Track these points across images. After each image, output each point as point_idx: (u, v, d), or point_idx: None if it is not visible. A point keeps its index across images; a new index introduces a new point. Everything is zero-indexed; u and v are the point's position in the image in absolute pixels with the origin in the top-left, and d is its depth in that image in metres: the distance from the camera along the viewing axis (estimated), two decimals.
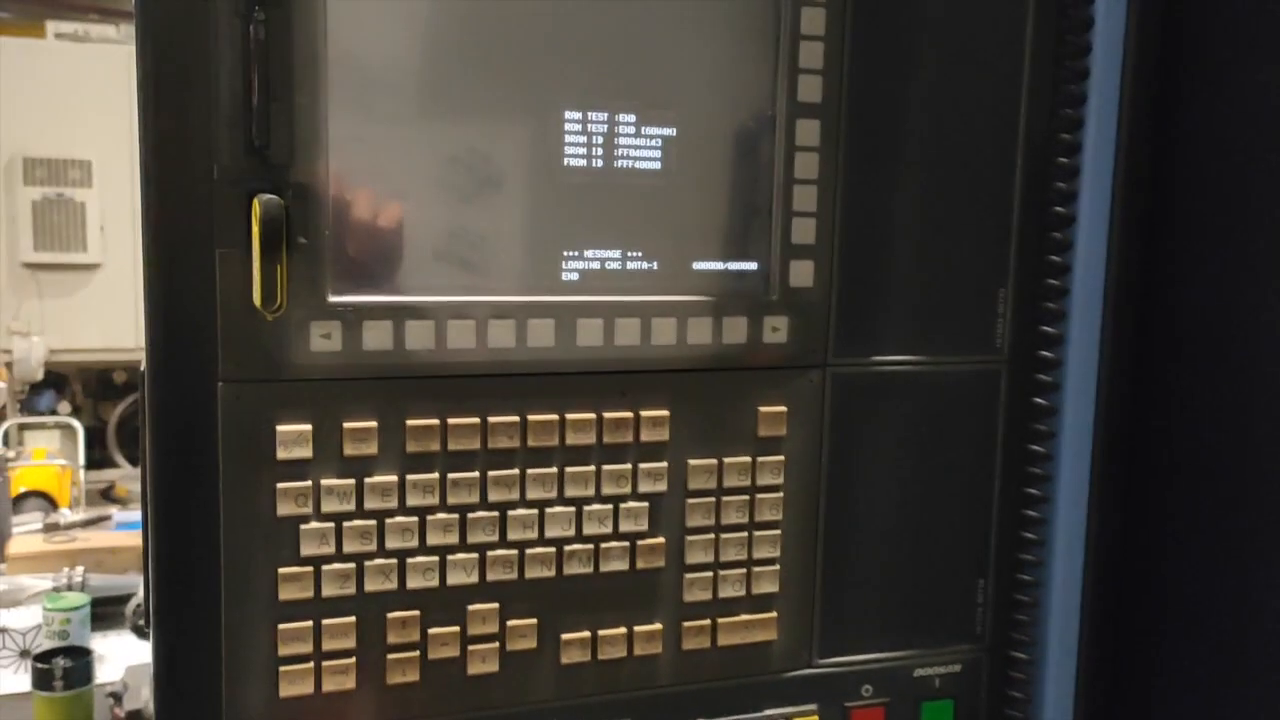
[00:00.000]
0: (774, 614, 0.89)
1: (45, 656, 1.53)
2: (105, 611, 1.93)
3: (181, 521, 0.75)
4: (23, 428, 4.65)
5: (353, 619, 0.78)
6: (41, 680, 1.50)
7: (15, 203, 4.59)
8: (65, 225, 4.64)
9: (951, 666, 0.96)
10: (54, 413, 4.85)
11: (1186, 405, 0.94)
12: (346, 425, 0.77)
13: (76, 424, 4.62)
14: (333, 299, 0.76)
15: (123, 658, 1.76)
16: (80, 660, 1.53)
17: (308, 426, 0.76)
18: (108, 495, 4.66)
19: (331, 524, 0.77)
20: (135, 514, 2.74)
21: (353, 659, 0.78)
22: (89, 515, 2.92)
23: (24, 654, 1.85)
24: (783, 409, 0.88)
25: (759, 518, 0.88)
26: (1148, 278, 0.95)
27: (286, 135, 0.73)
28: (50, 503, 3.73)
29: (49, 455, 4.24)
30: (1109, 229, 0.94)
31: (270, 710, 0.77)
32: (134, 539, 2.44)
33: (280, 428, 0.76)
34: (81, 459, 4.47)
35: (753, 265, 0.86)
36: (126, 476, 4.83)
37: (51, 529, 2.71)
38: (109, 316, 4.67)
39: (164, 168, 0.72)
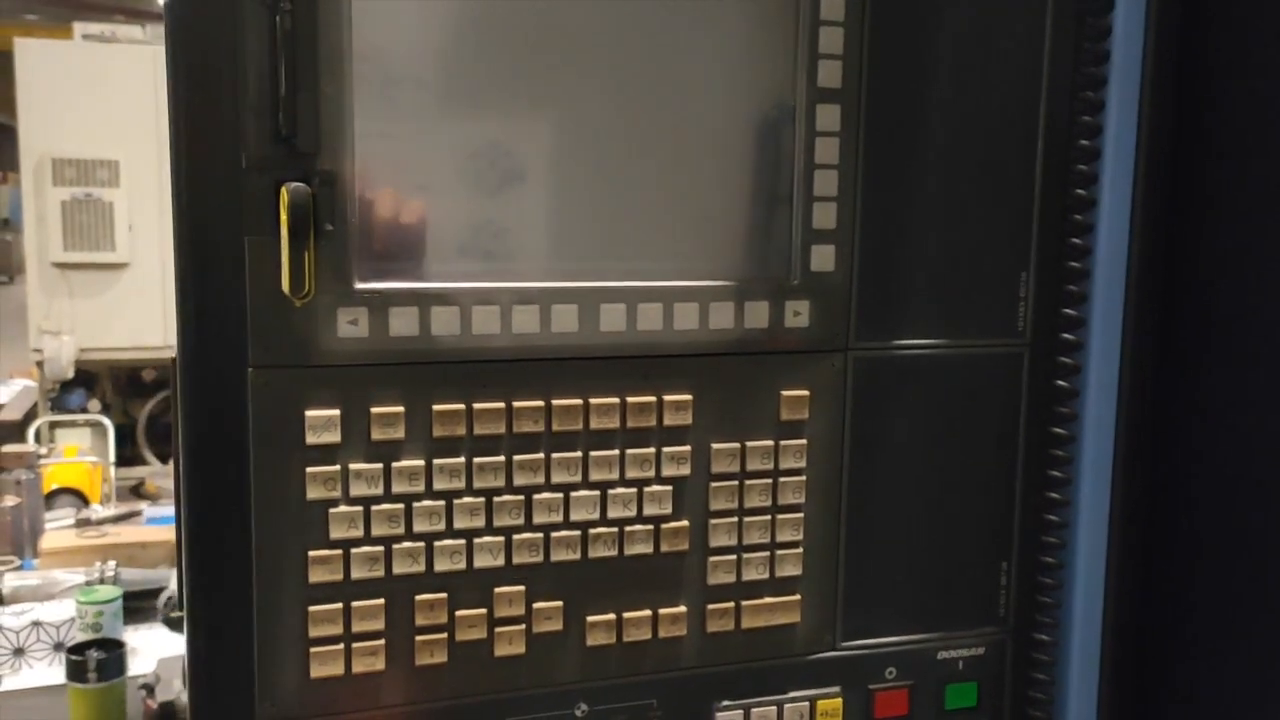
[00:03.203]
0: (797, 596, 0.90)
1: (78, 649, 1.55)
2: (137, 605, 1.95)
3: (213, 506, 0.76)
4: (54, 425, 4.70)
5: (381, 601, 0.79)
6: (75, 672, 1.52)
7: (44, 203, 4.65)
8: (94, 225, 4.69)
9: (975, 649, 0.96)
10: (84, 410, 4.90)
11: (1210, 386, 0.93)
12: (374, 410, 0.78)
13: (107, 421, 4.67)
14: (359, 286, 0.77)
15: (155, 650, 1.78)
16: (113, 652, 1.55)
17: (336, 411, 0.77)
18: (138, 492, 4.71)
19: (360, 508, 0.78)
20: (166, 510, 2.76)
21: (382, 640, 0.80)
22: (120, 511, 2.95)
23: (57, 646, 1.87)
24: (805, 393, 0.88)
25: (782, 501, 0.88)
26: (1170, 259, 0.95)
27: (313, 124, 0.74)
28: (82, 499, 3.76)
29: (80, 453, 4.28)
30: (1131, 211, 0.94)
31: (301, 691, 0.78)
32: (165, 534, 2.46)
33: (309, 413, 0.77)
34: (112, 456, 4.51)
35: (774, 250, 0.87)
36: (156, 473, 4.88)
37: (83, 524, 2.74)
38: (138, 315, 4.72)
39: (194, 157, 0.73)
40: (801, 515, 0.89)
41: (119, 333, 4.77)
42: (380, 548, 0.79)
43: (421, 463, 0.80)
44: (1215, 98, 0.93)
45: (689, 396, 0.85)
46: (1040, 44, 0.92)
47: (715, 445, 0.86)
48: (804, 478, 0.89)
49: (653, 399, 0.84)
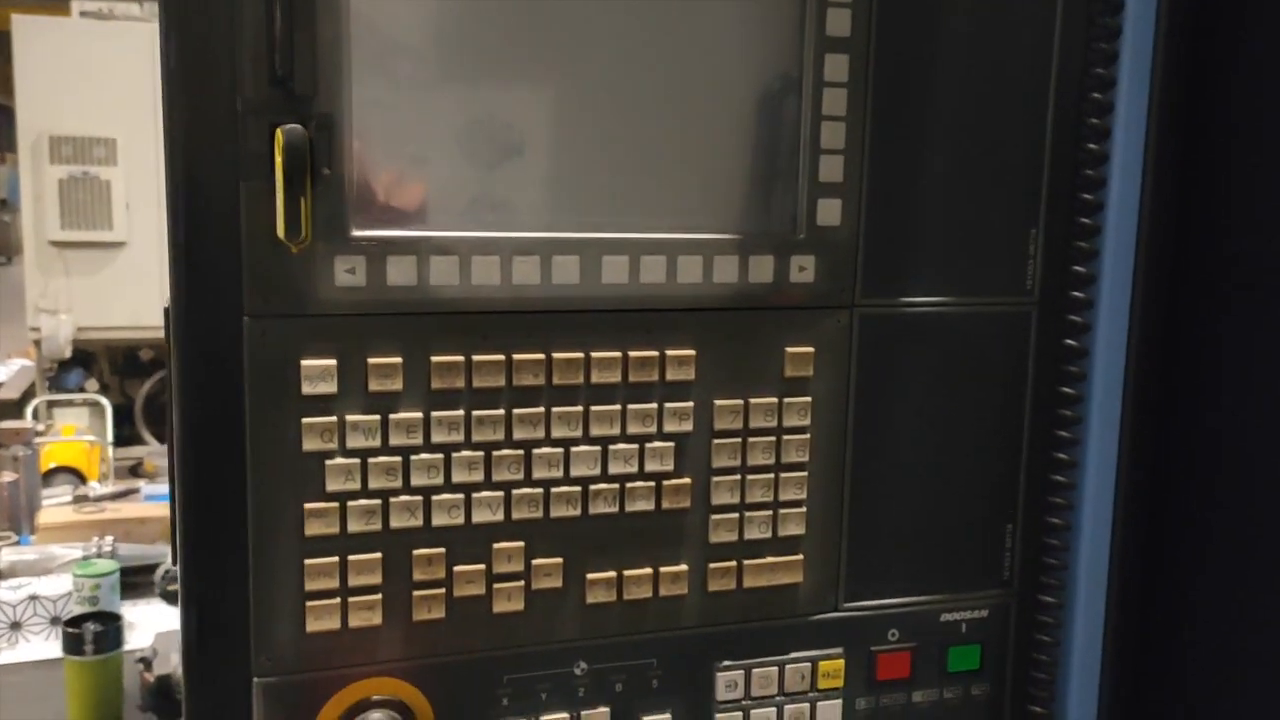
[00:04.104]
0: (800, 556, 0.89)
1: (75, 621, 1.55)
2: (134, 580, 1.95)
3: (208, 456, 0.75)
4: (51, 405, 4.70)
5: (379, 555, 0.78)
6: (72, 645, 1.52)
7: (41, 181, 4.62)
8: (91, 203, 4.67)
9: (979, 611, 0.95)
10: (82, 390, 4.89)
11: (1221, 346, 0.92)
12: (371, 361, 0.77)
13: (104, 401, 4.67)
14: (356, 233, 0.76)
15: (152, 625, 1.78)
16: (110, 625, 1.54)
17: (333, 362, 0.76)
18: (136, 471, 4.70)
19: (357, 460, 0.77)
20: (163, 488, 2.76)
21: (379, 595, 0.78)
22: (118, 488, 2.95)
23: (55, 621, 1.87)
24: (810, 350, 0.87)
25: (785, 459, 0.87)
26: (1182, 217, 0.94)
27: (310, 66, 0.73)
28: (80, 478, 3.77)
29: (77, 432, 4.28)
30: (1143, 166, 0.92)
31: (297, 645, 0.77)
32: (162, 510, 2.46)
33: (305, 362, 0.76)
34: (110, 436, 4.51)
35: (780, 204, 0.85)
36: (154, 453, 4.87)
37: (81, 500, 2.74)
38: (135, 294, 4.70)
39: (187, 100, 0.72)
40: (805, 474, 0.88)
41: (117, 312, 4.75)
42: (377, 501, 0.78)
43: (420, 415, 0.78)
44: (1230, 45, 0.91)
45: (692, 351, 0.84)
46: (1054, 6, 0.90)
47: (718, 401, 0.85)
48: (808, 436, 0.88)
49: (655, 354, 0.83)
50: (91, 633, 1.53)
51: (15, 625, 1.89)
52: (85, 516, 2.61)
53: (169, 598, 1.71)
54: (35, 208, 4.68)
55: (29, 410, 4.49)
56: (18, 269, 5.50)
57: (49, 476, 3.65)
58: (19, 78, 4.64)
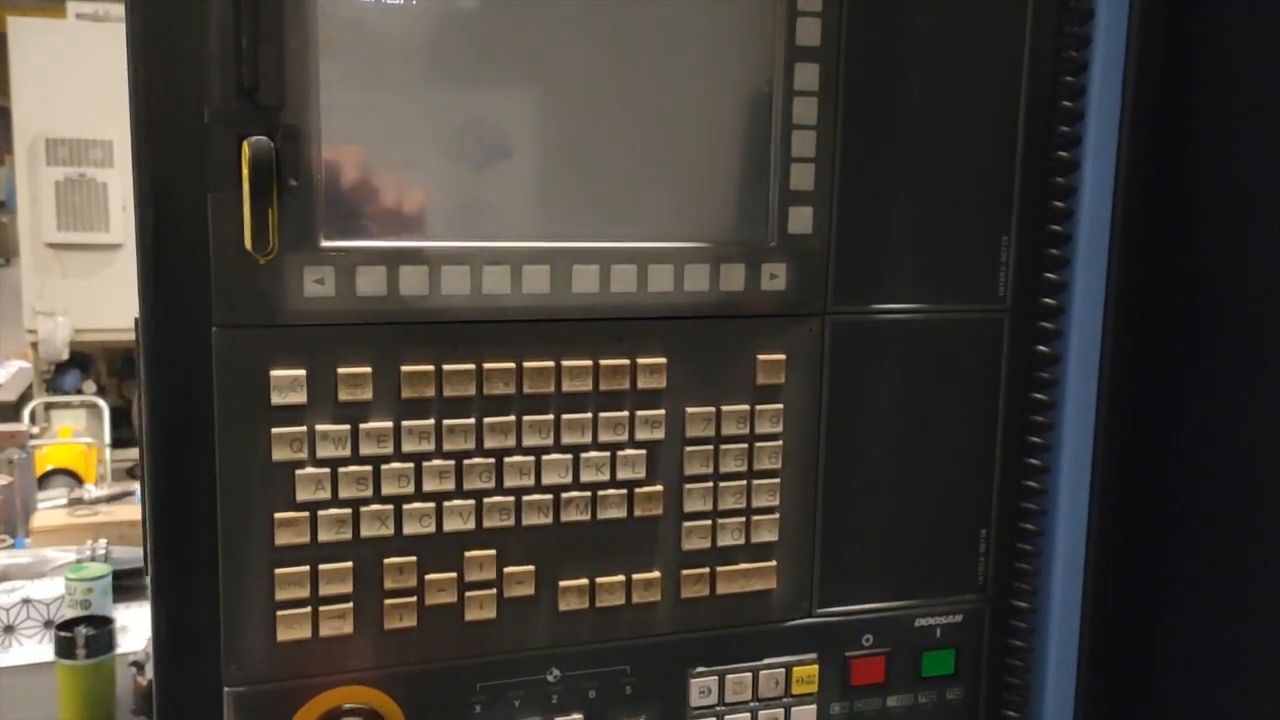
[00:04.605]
0: (773, 563, 0.89)
1: (68, 625, 1.54)
2: (128, 583, 1.94)
3: (178, 467, 0.75)
4: (49, 407, 4.69)
5: (349, 564, 0.78)
6: (64, 649, 1.52)
7: (38, 183, 4.62)
8: (87, 205, 4.67)
9: (953, 616, 0.95)
10: (79, 392, 4.88)
11: (1194, 352, 0.92)
12: (341, 371, 0.77)
13: (102, 403, 4.66)
14: (325, 244, 0.76)
15: (145, 628, 1.77)
16: (102, 629, 1.54)
17: (302, 372, 0.76)
18: (133, 473, 4.69)
19: (327, 469, 0.77)
20: None
21: (350, 604, 0.79)
22: (113, 491, 2.95)
23: (48, 624, 1.87)
24: (781, 357, 0.87)
25: (758, 466, 0.87)
26: (1154, 223, 0.94)
27: (276, 77, 0.73)
28: (77, 480, 3.75)
29: (75, 434, 4.27)
30: (1114, 173, 0.92)
31: (268, 654, 0.77)
32: None
33: (274, 373, 0.76)
34: (107, 437, 4.51)
35: (751, 212, 0.85)
36: None
37: (76, 504, 2.74)
38: (132, 296, 4.62)
39: (154, 111, 0.72)
40: (778, 480, 0.88)
41: (113, 314, 4.74)
42: (348, 510, 0.78)
43: (390, 424, 0.78)
44: (1201, 56, 0.91)
45: (663, 360, 0.84)
46: (1023, 6, 0.91)
47: (690, 409, 0.85)
48: (780, 443, 0.88)
49: (626, 362, 0.83)
50: (84, 637, 1.53)
51: (8, 629, 1.89)
52: (79, 520, 2.61)
53: None
54: (32, 210, 4.68)
55: (26, 412, 4.48)
56: (15, 270, 5.49)
57: (46, 479, 3.64)
58: (15, 80, 4.64)
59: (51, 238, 4.68)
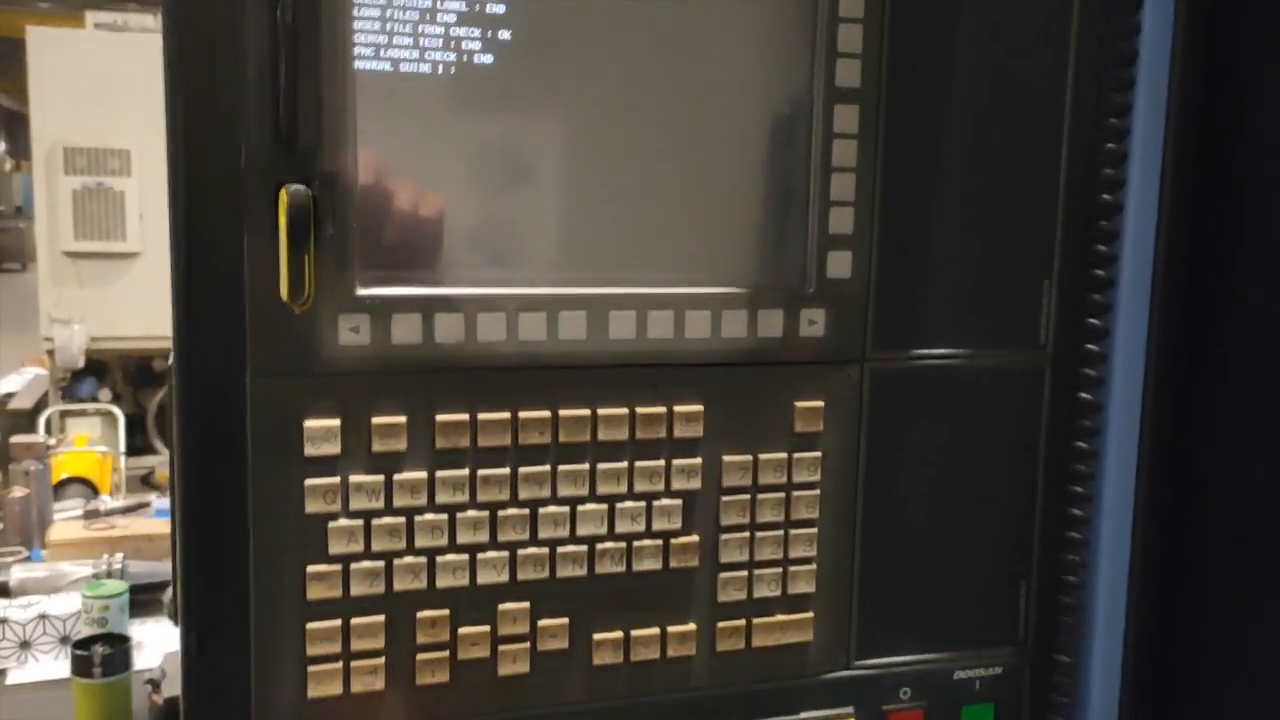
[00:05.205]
0: (810, 614, 0.87)
1: (84, 644, 1.54)
2: (144, 598, 1.93)
3: (210, 518, 0.74)
4: (64, 415, 4.69)
5: (382, 618, 0.77)
6: (80, 667, 1.51)
7: (55, 192, 4.62)
8: (105, 214, 4.68)
9: (992, 669, 0.93)
10: (95, 400, 4.89)
11: (1237, 401, 0.90)
12: (375, 421, 0.76)
13: (117, 411, 4.66)
14: (361, 291, 0.75)
15: (161, 645, 1.76)
16: (119, 648, 1.54)
17: (336, 422, 0.75)
18: (148, 481, 4.69)
19: (360, 521, 0.76)
20: None
21: (382, 659, 0.77)
22: (129, 502, 2.94)
23: (64, 640, 1.86)
24: (820, 404, 0.86)
25: (795, 516, 0.86)
26: (1198, 268, 0.92)
27: (314, 123, 0.72)
28: (92, 489, 3.75)
29: (90, 442, 4.28)
30: (1158, 217, 0.91)
31: (299, 711, 0.76)
32: None
33: (308, 423, 0.75)
34: (122, 445, 4.51)
35: (789, 257, 0.84)
36: (166, 463, 4.84)
37: (92, 515, 2.74)
38: (148, 305, 4.69)
39: (191, 156, 0.71)
40: (815, 530, 0.87)
41: (130, 322, 4.75)
42: (381, 563, 0.77)
43: (424, 475, 0.77)
44: (1246, 98, 0.90)
45: (700, 407, 0.83)
46: (1066, 44, 0.89)
47: (727, 458, 0.84)
48: (818, 492, 0.86)
49: (662, 410, 0.82)
50: (100, 655, 1.52)
51: (25, 644, 1.89)
52: (95, 533, 2.61)
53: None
54: (49, 218, 4.69)
55: (42, 420, 4.49)
56: (33, 275, 5.51)
57: (61, 487, 3.64)
58: (33, 89, 4.64)
59: (69, 246, 4.68)
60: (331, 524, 0.76)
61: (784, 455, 0.85)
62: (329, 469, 0.75)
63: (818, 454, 0.86)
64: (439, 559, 0.78)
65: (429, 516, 0.78)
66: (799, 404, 0.85)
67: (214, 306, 0.73)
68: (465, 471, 0.78)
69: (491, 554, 0.79)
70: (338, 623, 0.76)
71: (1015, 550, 0.93)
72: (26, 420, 4.52)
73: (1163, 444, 0.92)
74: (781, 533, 0.86)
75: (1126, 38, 0.88)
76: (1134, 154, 0.90)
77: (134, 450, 4.79)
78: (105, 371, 5.05)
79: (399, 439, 0.76)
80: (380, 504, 0.76)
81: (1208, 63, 0.89)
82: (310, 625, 0.76)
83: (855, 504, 0.88)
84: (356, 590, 0.76)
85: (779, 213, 0.84)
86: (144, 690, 1.55)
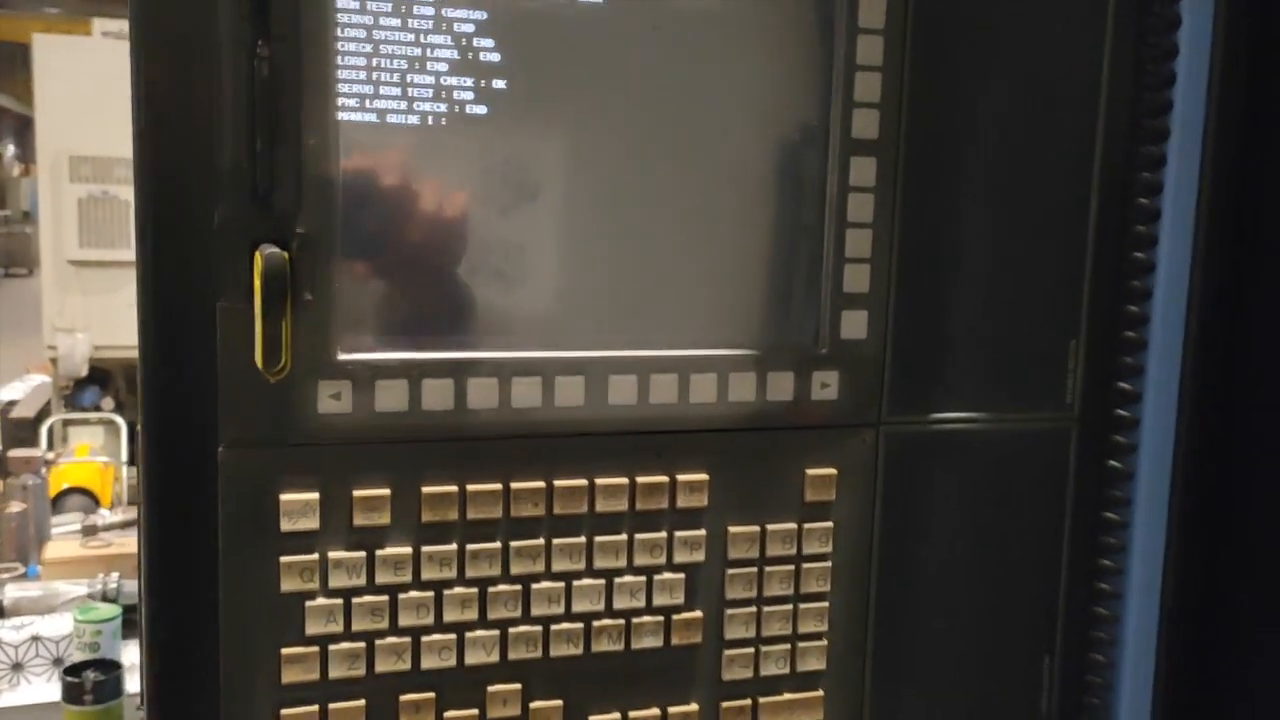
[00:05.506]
0: (820, 693, 0.83)
1: (75, 669, 1.55)
2: (138, 619, 1.91)
3: (178, 597, 0.70)
4: (67, 423, 4.69)
5: (362, 703, 0.73)
6: (71, 694, 1.52)
7: (60, 200, 4.62)
8: (110, 222, 4.66)
9: None
10: (98, 409, 4.88)
11: (1274, 470, 0.86)
12: (356, 493, 0.72)
13: (120, 420, 4.64)
14: (343, 356, 0.70)
15: None
16: (110, 674, 1.54)
17: (315, 495, 0.71)
18: None
19: (340, 600, 0.72)
20: None
21: None
22: (128, 516, 2.92)
23: (57, 662, 1.86)
24: (832, 471, 0.81)
25: (805, 589, 0.82)
26: (1233, 330, 0.87)
27: (293, 182, 0.67)
28: (93, 500, 3.74)
29: (92, 451, 4.26)
30: (1190, 275, 0.86)
31: None
32: None
33: (284, 496, 0.70)
34: (124, 455, 4.49)
35: (801, 316, 0.80)
36: None
37: (90, 532, 2.72)
38: None
39: (160, 215, 0.67)
40: (826, 605, 0.82)
41: (133, 331, 4.69)
42: (361, 644, 0.72)
43: (409, 550, 0.73)
44: None
45: (705, 476, 0.79)
46: (1096, 92, 0.85)
47: (733, 529, 0.80)
48: (829, 564, 0.82)
49: (665, 479, 0.78)
50: (91, 681, 1.53)
51: (17, 666, 1.89)
52: (92, 551, 2.61)
53: None
54: (54, 226, 4.69)
55: (44, 429, 4.48)
56: (39, 281, 5.52)
57: (61, 498, 3.64)
58: (39, 96, 4.64)
59: (73, 254, 4.68)
60: (309, 603, 0.71)
61: (794, 525, 0.81)
62: (306, 545, 0.71)
63: (829, 524, 0.82)
64: (424, 639, 0.74)
65: (414, 594, 0.73)
66: (810, 471, 0.81)
67: (184, 374, 0.68)
68: (453, 546, 0.74)
69: (480, 633, 0.75)
70: (315, 709, 0.72)
71: (1039, 626, 0.89)
72: (29, 429, 4.50)
73: (1195, 515, 0.87)
74: (790, 607, 0.82)
75: (1160, 88, 0.84)
76: (1167, 207, 0.85)
77: (136, 459, 4.76)
78: (108, 380, 5.04)
79: (382, 512, 0.72)
80: (361, 581, 0.72)
81: (1244, 122, 0.85)
82: (285, 711, 0.71)
83: (869, 576, 0.84)
84: (335, 673, 0.72)
85: (790, 270, 0.80)
86: (136, 716, 1.52)
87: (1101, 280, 0.86)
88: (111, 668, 1.56)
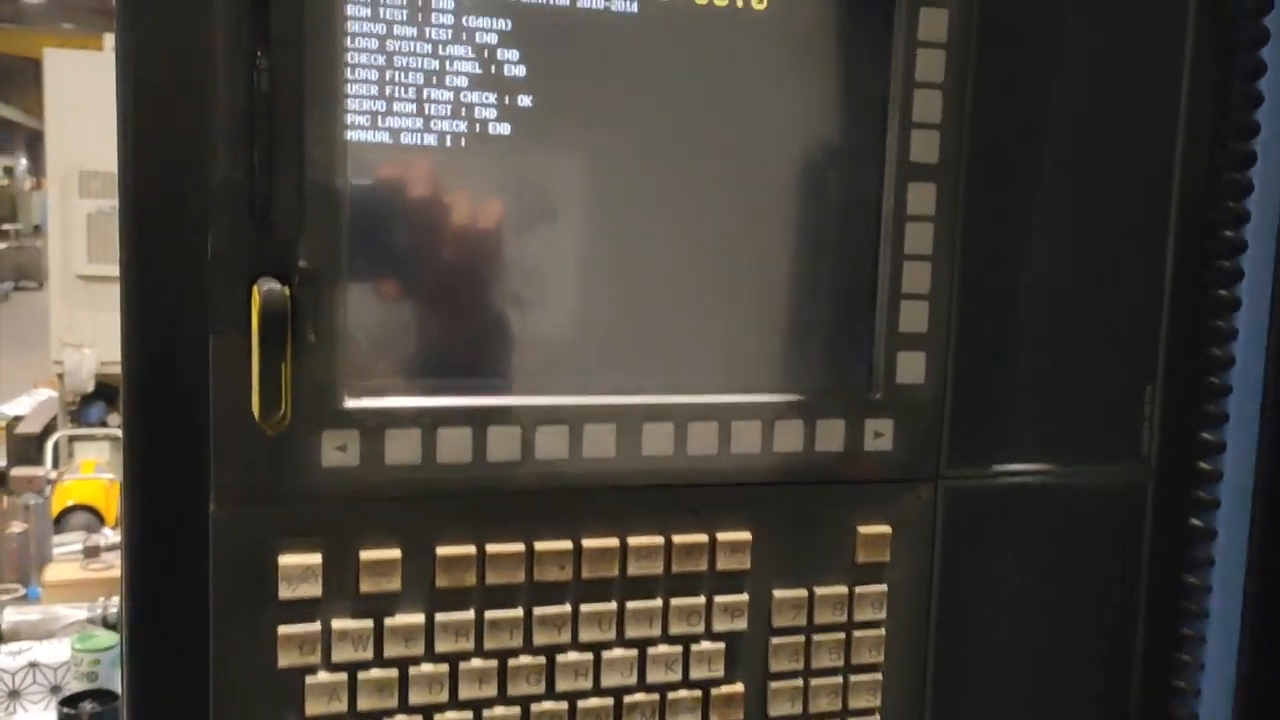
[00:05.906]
0: None
1: (72, 700, 1.54)
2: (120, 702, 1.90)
3: (164, 673, 0.64)
4: (73, 439, 4.68)
5: None
6: None
7: (70, 214, 4.63)
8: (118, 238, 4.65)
9: None
10: (104, 424, 4.88)
11: None
12: (363, 556, 0.65)
13: None
14: (349, 403, 0.64)
15: None
16: (108, 705, 1.53)
17: (317, 558, 0.64)
18: None
19: (344, 675, 0.66)
20: None
21: None
22: None
23: (54, 689, 1.84)
24: (886, 529, 0.75)
25: (856, 660, 0.75)
26: None
27: (294, 206, 0.61)
28: (97, 517, 3.73)
29: (98, 467, 4.25)
30: (1271, 315, 0.80)
31: None
32: None
33: (284, 560, 0.64)
34: None
35: (853, 359, 0.74)
36: None
37: (91, 553, 2.70)
38: None
39: (148, 244, 0.62)
40: (879, 676, 0.76)
41: None
42: None
43: (421, 619, 0.67)
44: None
45: (747, 535, 0.72)
46: (1175, 116, 0.79)
47: (777, 593, 0.74)
48: (883, 631, 0.76)
49: (704, 538, 0.72)
50: (88, 713, 1.51)
51: (14, 694, 1.87)
52: (92, 574, 2.60)
53: None
54: (63, 241, 4.70)
55: (50, 444, 4.46)
56: (48, 294, 5.55)
57: (65, 516, 3.63)
58: (49, 111, 4.66)
59: (81, 269, 4.70)
60: (309, 679, 0.65)
61: (844, 589, 0.75)
62: (307, 614, 0.65)
63: (883, 587, 0.76)
64: (437, 716, 0.67)
65: (426, 668, 0.67)
66: (862, 529, 0.75)
67: (173, 423, 0.62)
68: (470, 614, 0.68)
69: (500, 710, 0.69)
70: None
71: (1111, 698, 0.83)
72: (34, 445, 4.49)
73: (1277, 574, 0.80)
74: (840, 679, 0.75)
75: (1246, 109, 0.77)
76: (1252, 240, 0.79)
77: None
78: (115, 396, 5.04)
79: (392, 577, 0.66)
80: (368, 654, 0.66)
81: None
82: None
83: (926, 645, 0.78)
84: None
85: (841, 308, 0.74)
86: None
87: (1180, 320, 0.80)
88: (109, 698, 1.55)
